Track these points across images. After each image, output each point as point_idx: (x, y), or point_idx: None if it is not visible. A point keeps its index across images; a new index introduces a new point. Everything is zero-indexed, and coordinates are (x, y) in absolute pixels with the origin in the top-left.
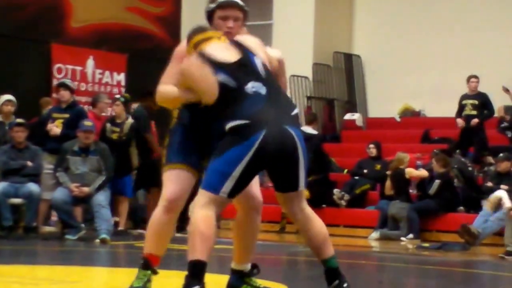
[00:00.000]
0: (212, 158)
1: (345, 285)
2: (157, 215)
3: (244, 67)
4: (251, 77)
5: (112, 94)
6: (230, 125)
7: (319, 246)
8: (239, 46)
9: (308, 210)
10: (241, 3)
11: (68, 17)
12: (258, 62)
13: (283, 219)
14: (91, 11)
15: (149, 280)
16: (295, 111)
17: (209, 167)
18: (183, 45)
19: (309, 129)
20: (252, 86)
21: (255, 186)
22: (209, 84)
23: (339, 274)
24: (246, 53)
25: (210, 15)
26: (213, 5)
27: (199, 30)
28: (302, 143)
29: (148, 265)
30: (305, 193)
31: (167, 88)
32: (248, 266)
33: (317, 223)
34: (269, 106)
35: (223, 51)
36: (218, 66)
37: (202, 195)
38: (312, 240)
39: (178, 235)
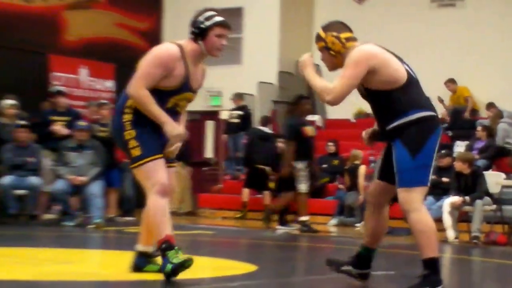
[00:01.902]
0: (409, 153)
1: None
2: (157, 201)
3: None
4: None
5: (103, 98)
6: (419, 115)
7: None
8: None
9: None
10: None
11: (64, 31)
12: None
13: (244, 208)
14: (84, 26)
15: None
16: None
17: (408, 165)
18: (168, 50)
19: (266, 129)
20: None
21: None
22: (399, 67)
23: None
24: None
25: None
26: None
27: (343, 25)
28: None
29: (172, 245)
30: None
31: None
32: (152, 248)
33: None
34: None
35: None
36: (399, 58)
37: (416, 192)
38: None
39: (280, 228)
